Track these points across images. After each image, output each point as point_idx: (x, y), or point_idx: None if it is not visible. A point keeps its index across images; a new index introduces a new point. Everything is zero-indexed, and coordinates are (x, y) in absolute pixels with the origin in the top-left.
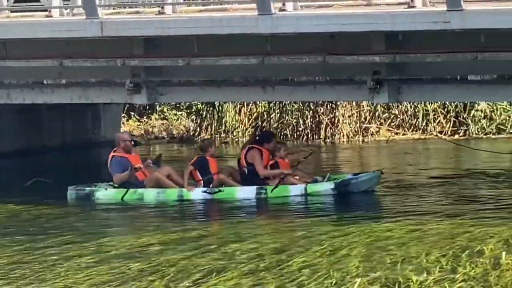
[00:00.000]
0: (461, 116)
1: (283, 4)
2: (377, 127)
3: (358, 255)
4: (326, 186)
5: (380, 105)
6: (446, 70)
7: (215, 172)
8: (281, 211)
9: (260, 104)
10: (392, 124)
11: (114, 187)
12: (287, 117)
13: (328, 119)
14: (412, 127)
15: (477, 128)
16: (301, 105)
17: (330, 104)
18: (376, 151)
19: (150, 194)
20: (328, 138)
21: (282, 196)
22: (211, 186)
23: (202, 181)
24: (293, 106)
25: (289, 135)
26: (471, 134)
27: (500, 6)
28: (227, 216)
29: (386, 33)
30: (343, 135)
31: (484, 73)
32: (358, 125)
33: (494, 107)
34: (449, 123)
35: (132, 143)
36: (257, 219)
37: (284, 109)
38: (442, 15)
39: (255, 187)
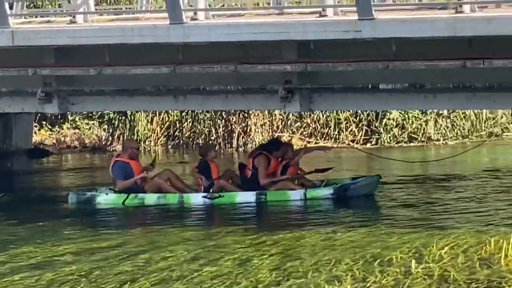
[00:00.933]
0: (373, 125)
1: (195, 13)
2: (289, 136)
3: (270, 264)
4: (326, 191)
5: (292, 114)
6: (357, 79)
7: (216, 177)
8: (205, 220)
9: (172, 113)
10: (304, 133)
11: (115, 192)
12: (199, 126)
13: (240, 128)
14: (324, 136)
15: (389, 137)
16: (213, 114)
17: (242, 113)
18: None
19: (151, 199)
20: (241, 147)
21: (282, 201)
22: (211, 191)
23: (202, 186)
24: (205, 115)
25: (201, 144)
26: (383, 143)
27: (411, 15)
28: (150, 223)
29: (298, 42)
30: (255, 144)
31: (395, 82)
32: (270, 134)
33: (406, 116)
34: (361, 131)
35: (138, 151)
36: (179, 227)
37: (196, 118)
38: (354, 24)
39: (254, 192)
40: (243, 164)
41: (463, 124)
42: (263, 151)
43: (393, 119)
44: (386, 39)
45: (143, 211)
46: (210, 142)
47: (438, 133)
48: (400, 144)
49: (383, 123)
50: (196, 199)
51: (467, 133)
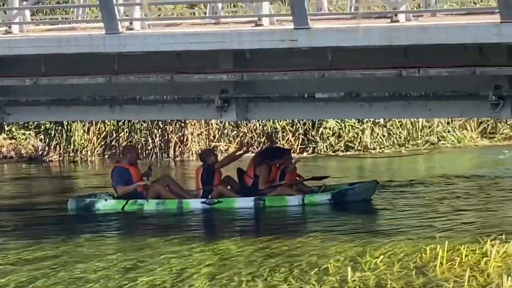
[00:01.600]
0: (310, 134)
1: (131, 23)
2: (226, 145)
3: (206, 274)
4: (323, 197)
5: (229, 123)
6: (293, 88)
7: (217, 184)
8: (162, 228)
9: (109, 123)
10: (241, 142)
11: (114, 197)
12: (136, 136)
13: (177, 137)
14: (261, 145)
15: (326, 146)
16: (150, 123)
17: (179, 123)
18: (225, 168)
19: (150, 205)
20: (177, 157)
21: (280, 206)
22: (210, 196)
23: (201, 191)
24: (142, 124)
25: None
26: (319, 152)
27: (346, 24)
28: (108, 230)
29: (234, 51)
30: (192, 154)
31: (331, 91)
32: (207, 143)
33: (342, 125)
34: (297, 140)
35: (137, 156)
36: (119, 235)
37: (133, 127)
38: (289, 33)
39: (253, 198)
40: (242, 170)
41: (400, 132)
42: (265, 159)
43: (330, 128)
44: (322, 48)
45: (112, 218)
46: (147, 151)
47: (374, 142)
48: (336, 153)
49: (320, 132)
50: (195, 204)
51: (403, 142)
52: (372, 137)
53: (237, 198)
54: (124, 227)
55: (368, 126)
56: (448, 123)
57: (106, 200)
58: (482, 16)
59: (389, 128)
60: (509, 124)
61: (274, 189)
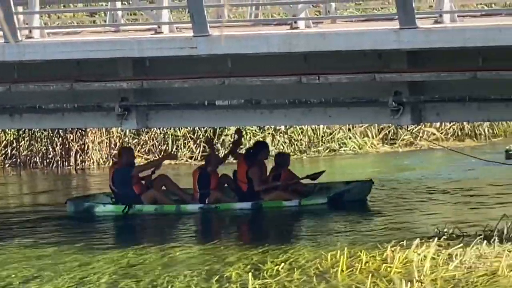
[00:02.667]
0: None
1: (30, 31)
2: None
3: (106, 283)
4: (320, 200)
5: (130, 131)
6: (194, 95)
7: (213, 187)
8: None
9: (9, 132)
10: (142, 150)
11: (112, 201)
12: (36, 145)
13: (78, 146)
14: (162, 153)
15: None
16: (50, 132)
17: (80, 131)
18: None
19: (149, 210)
20: (78, 165)
21: (277, 207)
22: (207, 201)
23: (198, 193)
24: (42, 133)
25: (38, 162)
26: None
27: (247, 31)
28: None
29: (133, 59)
30: (93, 162)
31: (231, 98)
32: (108, 151)
33: (244, 132)
34: (198, 148)
35: (134, 157)
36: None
37: (33, 136)
38: (189, 41)
39: (250, 202)
40: (237, 175)
41: (301, 139)
42: (251, 159)
43: (231, 136)
44: (222, 55)
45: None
46: (48, 160)
47: (276, 149)
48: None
49: (221, 139)
50: (193, 209)
51: (304, 149)
52: (273, 144)
53: (234, 203)
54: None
55: (269, 133)
56: (349, 129)
57: (104, 205)
58: (382, 22)
59: (290, 135)
60: (409, 130)
61: (270, 193)
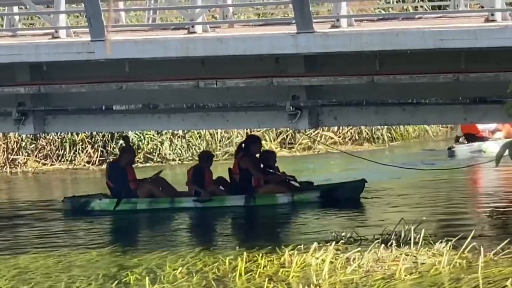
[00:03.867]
0: (109, 146)
1: None
2: (24, 158)
3: None
4: (313, 194)
5: (27, 136)
6: (91, 100)
7: (208, 184)
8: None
9: None
10: (39, 155)
11: (108, 197)
12: None
13: None
14: (60, 158)
15: None
16: None
17: None
18: (26, 182)
19: (143, 203)
20: None
21: (270, 205)
22: (201, 195)
23: (193, 191)
24: None
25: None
26: None
27: (144, 36)
28: None
29: (30, 64)
30: None
31: (129, 103)
32: (5, 156)
33: (142, 136)
34: (96, 152)
35: (134, 156)
36: None
37: None
38: (86, 46)
39: (243, 196)
40: (231, 169)
41: (199, 143)
42: (246, 153)
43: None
44: (119, 60)
45: None
46: None
47: (174, 153)
48: (136, 164)
49: (119, 145)
50: (187, 203)
51: None
52: (171, 149)
53: (228, 196)
54: None
55: (167, 137)
56: (247, 133)
57: (100, 199)
58: (280, 26)
59: (188, 140)
60: (307, 135)
61: (266, 186)
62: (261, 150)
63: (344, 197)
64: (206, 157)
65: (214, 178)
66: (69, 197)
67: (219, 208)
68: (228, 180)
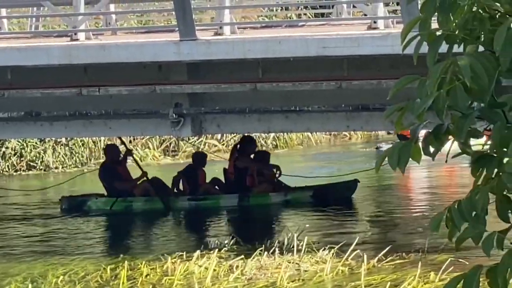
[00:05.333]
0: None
1: None
2: None
3: None
4: (306, 193)
5: None
6: None
7: (201, 183)
8: None
9: None
10: None
11: (104, 197)
12: None
13: None
14: None
15: (8, 165)
16: None
17: None
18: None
19: (138, 203)
20: None
21: (263, 204)
22: (196, 195)
23: (188, 191)
24: None
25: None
26: (1, 172)
27: (27, 43)
28: None
29: None
30: None
31: (11, 110)
32: None
33: (25, 144)
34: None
35: (120, 154)
36: None
37: None
38: None
39: (237, 195)
40: (226, 169)
41: (82, 151)
42: (241, 153)
43: (12, 148)
44: (1, 67)
45: None
46: None
47: (57, 161)
48: (19, 172)
49: (1, 152)
50: (182, 202)
51: (86, 161)
52: (54, 156)
53: (222, 195)
54: None
55: (50, 145)
56: (130, 141)
57: (96, 198)
58: (163, 34)
59: (71, 147)
60: (190, 142)
61: (261, 184)
62: (256, 150)
63: (337, 197)
64: (200, 157)
65: (210, 178)
66: (66, 196)
67: (214, 208)
68: (223, 181)
